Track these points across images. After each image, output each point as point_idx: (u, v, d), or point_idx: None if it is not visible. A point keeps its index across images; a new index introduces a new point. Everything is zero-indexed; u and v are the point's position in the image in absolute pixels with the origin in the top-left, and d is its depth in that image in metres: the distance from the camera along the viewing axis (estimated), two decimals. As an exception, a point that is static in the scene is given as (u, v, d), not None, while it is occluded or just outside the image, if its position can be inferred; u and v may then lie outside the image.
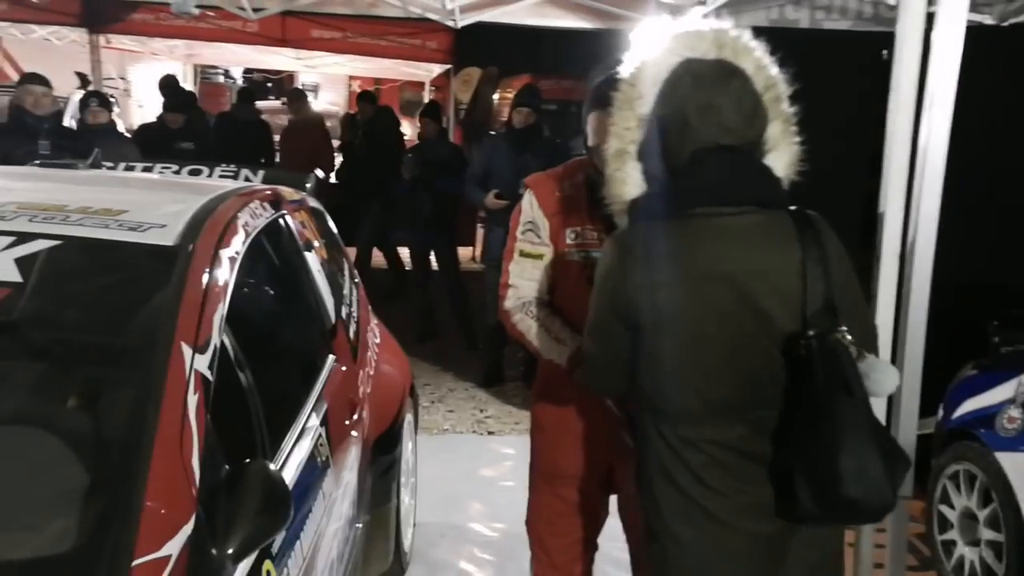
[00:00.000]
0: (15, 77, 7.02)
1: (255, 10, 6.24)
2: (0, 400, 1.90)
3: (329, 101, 16.32)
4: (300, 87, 12.65)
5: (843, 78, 4.60)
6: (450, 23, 5.89)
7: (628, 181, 1.85)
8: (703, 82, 1.76)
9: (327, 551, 2.35)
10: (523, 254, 2.32)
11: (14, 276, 1.88)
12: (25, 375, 1.94)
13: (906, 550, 2.79)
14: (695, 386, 1.75)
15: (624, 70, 1.89)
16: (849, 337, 1.73)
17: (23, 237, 1.97)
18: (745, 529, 1.76)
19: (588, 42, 6.26)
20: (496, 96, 10.79)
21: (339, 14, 7.62)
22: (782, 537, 1.77)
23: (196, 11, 5.37)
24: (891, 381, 1.82)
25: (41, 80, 5.26)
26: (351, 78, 15.27)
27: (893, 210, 2.41)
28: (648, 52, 1.86)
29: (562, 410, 2.43)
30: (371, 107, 8.15)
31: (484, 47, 9.40)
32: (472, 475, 4.52)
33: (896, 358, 2.49)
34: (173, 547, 1.53)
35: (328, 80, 16.03)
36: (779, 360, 1.74)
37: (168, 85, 9.06)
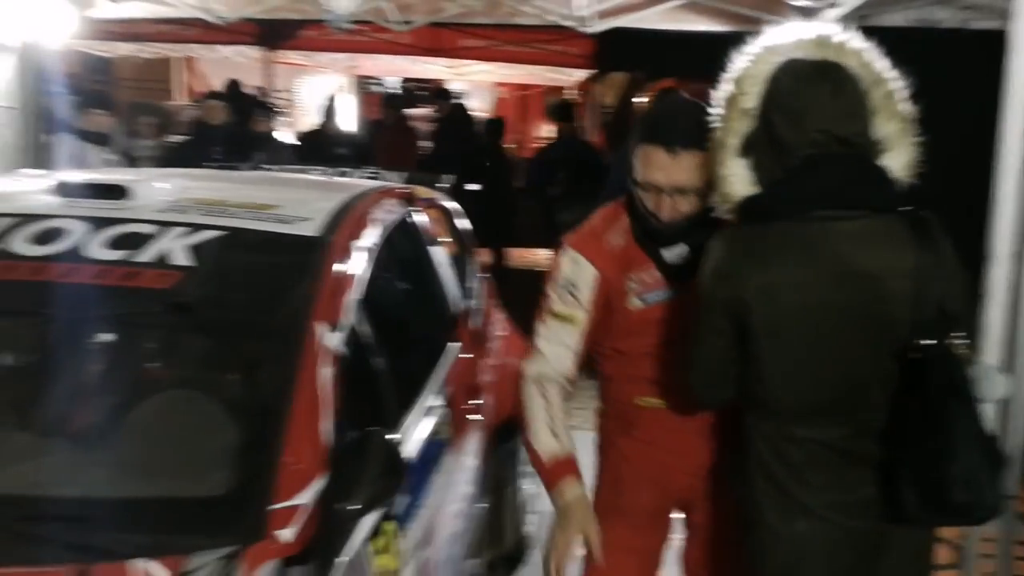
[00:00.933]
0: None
1: (404, 23, 6.59)
2: (174, 368, 2.24)
3: (475, 107, 16.77)
4: (395, 93, 12.72)
5: (991, 78, 4.41)
6: (584, 30, 6.01)
7: (735, 180, 1.87)
8: (801, 78, 1.79)
9: (448, 523, 2.55)
10: (554, 315, 2.12)
11: (189, 261, 2.17)
12: (193, 347, 2.27)
13: (1012, 548, 2.70)
14: (802, 387, 1.78)
15: (728, 71, 1.93)
16: (962, 342, 1.73)
17: (195, 228, 2.27)
18: (841, 524, 1.79)
19: (734, 46, 6.15)
20: (642, 100, 10.78)
21: (483, 24, 7.85)
22: (876, 533, 1.79)
23: (348, 26, 5.76)
24: (1000, 387, 1.82)
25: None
26: (497, 84, 15.64)
27: (1006, 209, 2.38)
28: (750, 55, 1.91)
29: (620, 445, 2.24)
30: (447, 104, 7.74)
31: (627, 52, 9.38)
32: (596, 469, 4.60)
33: (1010, 361, 2.40)
34: (305, 497, 1.78)
35: (476, 87, 16.52)
36: (889, 365, 1.74)
37: (230, 88, 8.69)
